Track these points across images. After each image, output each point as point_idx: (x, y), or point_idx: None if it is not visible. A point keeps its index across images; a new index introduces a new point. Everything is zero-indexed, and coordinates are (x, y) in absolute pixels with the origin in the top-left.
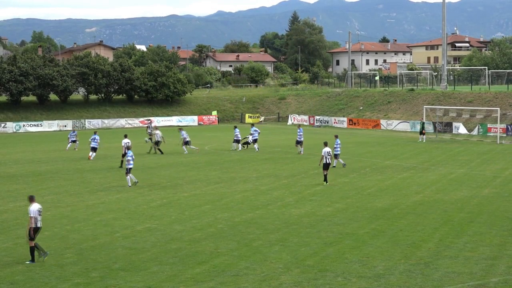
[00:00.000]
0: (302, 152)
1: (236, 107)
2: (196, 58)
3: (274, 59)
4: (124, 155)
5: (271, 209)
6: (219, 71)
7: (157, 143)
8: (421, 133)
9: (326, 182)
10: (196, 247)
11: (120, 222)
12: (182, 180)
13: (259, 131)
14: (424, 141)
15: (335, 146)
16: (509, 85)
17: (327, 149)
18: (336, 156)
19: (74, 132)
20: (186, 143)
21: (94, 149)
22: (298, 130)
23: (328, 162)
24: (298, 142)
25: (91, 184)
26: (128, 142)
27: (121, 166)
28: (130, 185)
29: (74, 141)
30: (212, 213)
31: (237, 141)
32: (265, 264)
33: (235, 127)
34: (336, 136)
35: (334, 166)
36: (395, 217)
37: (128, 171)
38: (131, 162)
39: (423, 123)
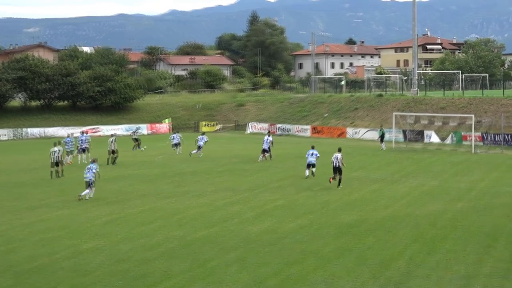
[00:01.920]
0: (260, 160)
1: (191, 114)
2: (147, 61)
3: (232, 62)
4: (57, 164)
5: (228, 226)
6: (172, 75)
7: (113, 152)
8: (381, 140)
9: (339, 187)
10: (145, 268)
11: (62, 241)
12: (130, 195)
13: (206, 139)
14: (384, 148)
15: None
16: (484, 90)
17: (336, 154)
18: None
19: (69, 138)
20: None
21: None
22: (266, 137)
23: (337, 166)
24: (264, 151)
25: (30, 200)
26: (58, 151)
27: (58, 176)
28: (83, 196)
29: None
30: (164, 230)
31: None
32: (222, 286)
33: (177, 131)
34: (313, 147)
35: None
36: (363, 234)
37: (87, 184)
38: (88, 174)
39: (383, 131)
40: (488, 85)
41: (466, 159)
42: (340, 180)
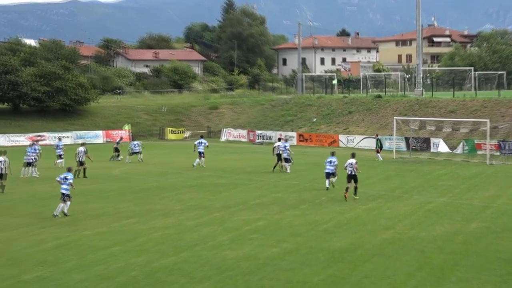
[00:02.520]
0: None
1: (155, 119)
2: (102, 56)
3: (203, 57)
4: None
5: (200, 251)
6: (132, 73)
7: (81, 163)
8: (378, 151)
9: (355, 198)
10: None
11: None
12: (83, 214)
13: (205, 143)
14: (381, 159)
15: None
16: (501, 90)
17: (350, 160)
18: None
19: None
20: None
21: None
22: (282, 144)
23: (352, 173)
24: (283, 159)
25: None
26: (4, 162)
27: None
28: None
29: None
30: (123, 256)
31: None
32: None
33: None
34: (332, 153)
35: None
36: (359, 260)
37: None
38: (64, 186)
39: (379, 139)
40: (505, 84)
41: (480, 171)
42: (356, 189)
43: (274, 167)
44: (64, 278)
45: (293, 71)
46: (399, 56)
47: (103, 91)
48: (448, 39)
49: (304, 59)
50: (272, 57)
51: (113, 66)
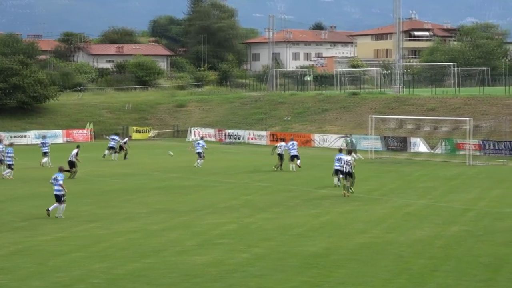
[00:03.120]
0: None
1: (118, 117)
2: (62, 51)
3: (170, 52)
4: None
5: (166, 257)
6: (94, 69)
7: (73, 164)
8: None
9: (351, 192)
10: None
11: None
12: (43, 218)
13: (203, 144)
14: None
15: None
16: (483, 87)
17: (346, 157)
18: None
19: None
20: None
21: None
22: (286, 144)
23: (349, 171)
24: (293, 156)
25: None
26: None
27: None
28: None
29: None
30: (85, 263)
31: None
32: None
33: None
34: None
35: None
36: (334, 266)
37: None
38: (55, 187)
39: (351, 140)
40: (488, 81)
41: (461, 172)
42: (352, 183)
43: (277, 166)
44: (22, 286)
45: (265, 66)
46: (377, 51)
47: (63, 88)
48: (428, 33)
49: (276, 54)
50: (242, 52)
51: (74, 62)
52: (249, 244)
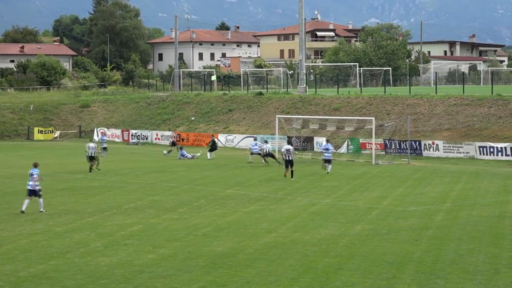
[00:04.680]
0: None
1: (21, 118)
2: None
3: (73, 52)
4: None
5: (71, 258)
6: None
7: (92, 158)
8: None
9: (292, 179)
10: None
11: None
12: None
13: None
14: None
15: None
16: (387, 87)
17: (287, 146)
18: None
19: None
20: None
21: None
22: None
23: (289, 159)
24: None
25: None
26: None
27: None
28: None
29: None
30: None
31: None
32: None
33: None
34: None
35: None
36: (240, 265)
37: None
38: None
39: (213, 141)
40: (391, 81)
41: (365, 172)
42: (292, 172)
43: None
44: None
45: (170, 66)
46: (282, 51)
47: None
48: (332, 34)
49: (181, 54)
50: (147, 52)
51: None
52: (156, 244)
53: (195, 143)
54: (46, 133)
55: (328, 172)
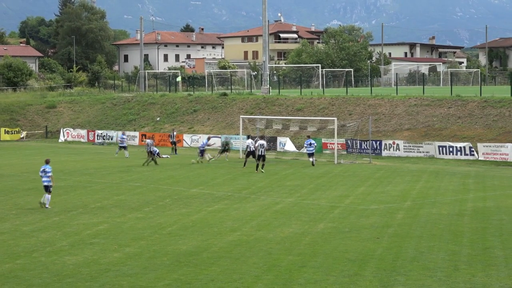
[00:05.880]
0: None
1: None
2: None
3: (39, 54)
4: None
5: (37, 257)
6: None
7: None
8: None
9: (262, 172)
10: None
11: None
12: None
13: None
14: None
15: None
16: (348, 88)
17: (260, 141)
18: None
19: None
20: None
21: None
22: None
23: (262, 153)
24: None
25: None
26: None
27: None
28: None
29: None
30: None
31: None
32: None
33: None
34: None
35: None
36: (205, 263)
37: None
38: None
39: (227, 142)
40: (353, 82)
41: (327, 171)
42: (263, 165)
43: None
44: None
45: (135, 68)
46: (245, 53)
47: None
48: (295, 35)
49: (146, 56)
50: (113, 53)
51: None
52: (121, 243)
53: (160, 143)
54: (12, 133)
55: (313, 165)
